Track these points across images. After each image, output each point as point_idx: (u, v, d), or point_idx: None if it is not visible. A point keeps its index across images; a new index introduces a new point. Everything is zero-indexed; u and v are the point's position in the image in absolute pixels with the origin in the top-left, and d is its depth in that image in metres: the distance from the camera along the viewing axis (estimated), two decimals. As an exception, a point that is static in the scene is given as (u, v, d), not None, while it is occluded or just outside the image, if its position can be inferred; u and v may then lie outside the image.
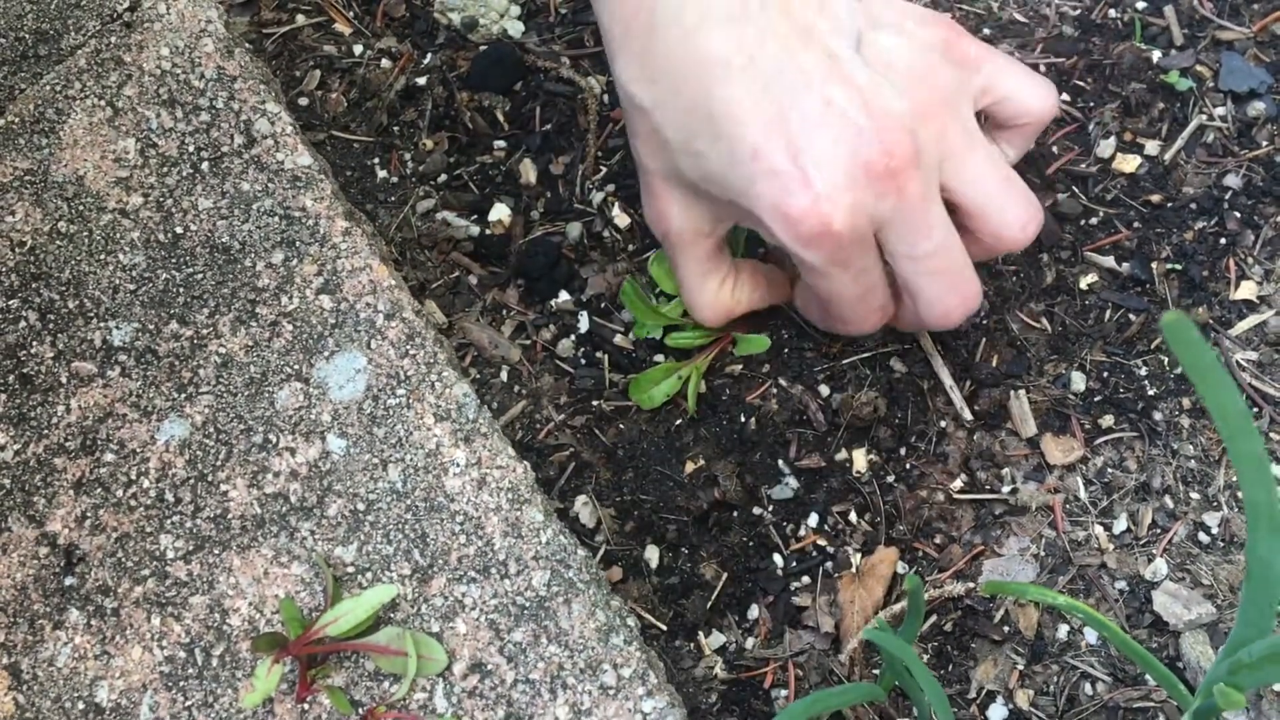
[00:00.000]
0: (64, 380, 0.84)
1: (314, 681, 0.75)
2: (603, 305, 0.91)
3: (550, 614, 0.75)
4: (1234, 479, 0.81)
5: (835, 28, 0.71)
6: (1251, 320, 0.84)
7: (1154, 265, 0.87)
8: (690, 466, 0.85)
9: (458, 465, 0.79)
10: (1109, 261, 0.87)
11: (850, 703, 0.75)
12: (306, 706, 0.75)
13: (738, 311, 0.84)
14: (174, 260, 0.86)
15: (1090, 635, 0.78)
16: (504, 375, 0.89)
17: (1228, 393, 0.45)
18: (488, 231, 0.94)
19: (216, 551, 0.79)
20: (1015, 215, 0.75)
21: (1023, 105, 0.77)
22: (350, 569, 0.77)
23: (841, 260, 0.72)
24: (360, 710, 0.74)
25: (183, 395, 0.82)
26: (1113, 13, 0.95)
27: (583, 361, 0.89)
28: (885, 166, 0.69)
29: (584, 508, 0.84)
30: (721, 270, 0.82)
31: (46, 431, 0.82)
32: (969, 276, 0.76)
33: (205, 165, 0.88)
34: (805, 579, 0.82)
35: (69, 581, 0.79)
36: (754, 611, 0.81)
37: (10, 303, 0.86)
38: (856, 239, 0.71)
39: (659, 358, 0.88)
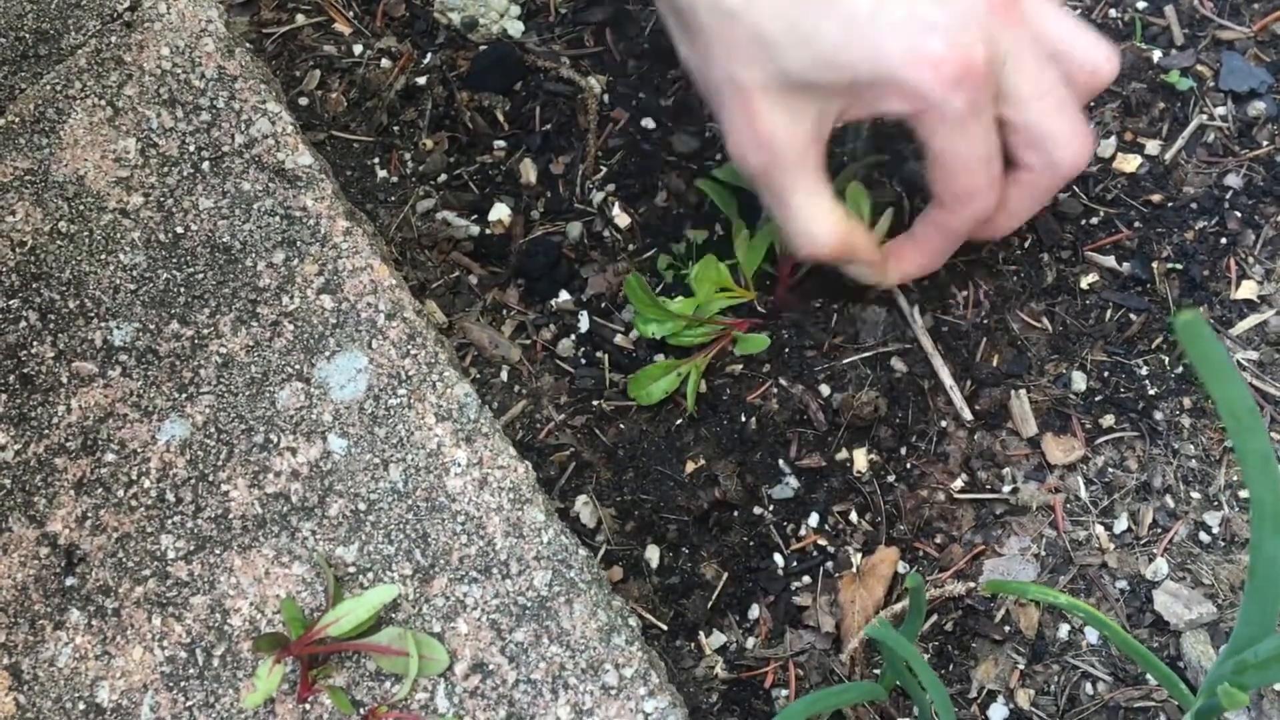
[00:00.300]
0: (64, 380, 0.83)
1: (315, 682, 0.75)
2: (603, 305, 0.91)
3: (552, 614, 0.75)
4: (1235, 478, 0.81)
5: None
6: (1252, 320, 0.84)
7: (1155, 265, 0.87)
8: (691, 466, 0.85)
9: (459, 465, 0.79)
10: (1110, 261, 0.87)
11: (851, 702, 0.75)
12: (308, 707, 0.74)
13: (856, 238, 0.78)
14: (175, 260, 0.86)
15: (1091, 635, 0.78)
16: (504, 375, 0.89)
17: (1237, 390, 0.45)
18: (488, 231, 0.94)
19: (217, 551, 0.78)
20: (1100, 46, 0.75)
21: (1083, 53, 0.76)
22: (351, 569, 0.77)
23: (979, 103, 0.69)
24: (362, 710, 0.74)
25: (184, 395, 0.82)
26: (1113, 12, 0.95)
27: (583, 361, 0.89)
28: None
29: (584, 507, 0.84)
30: (829, 188, 0.77)
31: (47, 431, 0.82)
32: (1081, 116, 0.75)
33: (206, 165, 0.88)
34: (806, 579, 0.82)
35: (70, 582, 0.79)
36: (754, 611, 0.81)
37: (11, 303, 0.86)
38: (992, 76, 0.69)
39: (659, 357, 0.88)
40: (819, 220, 0.76)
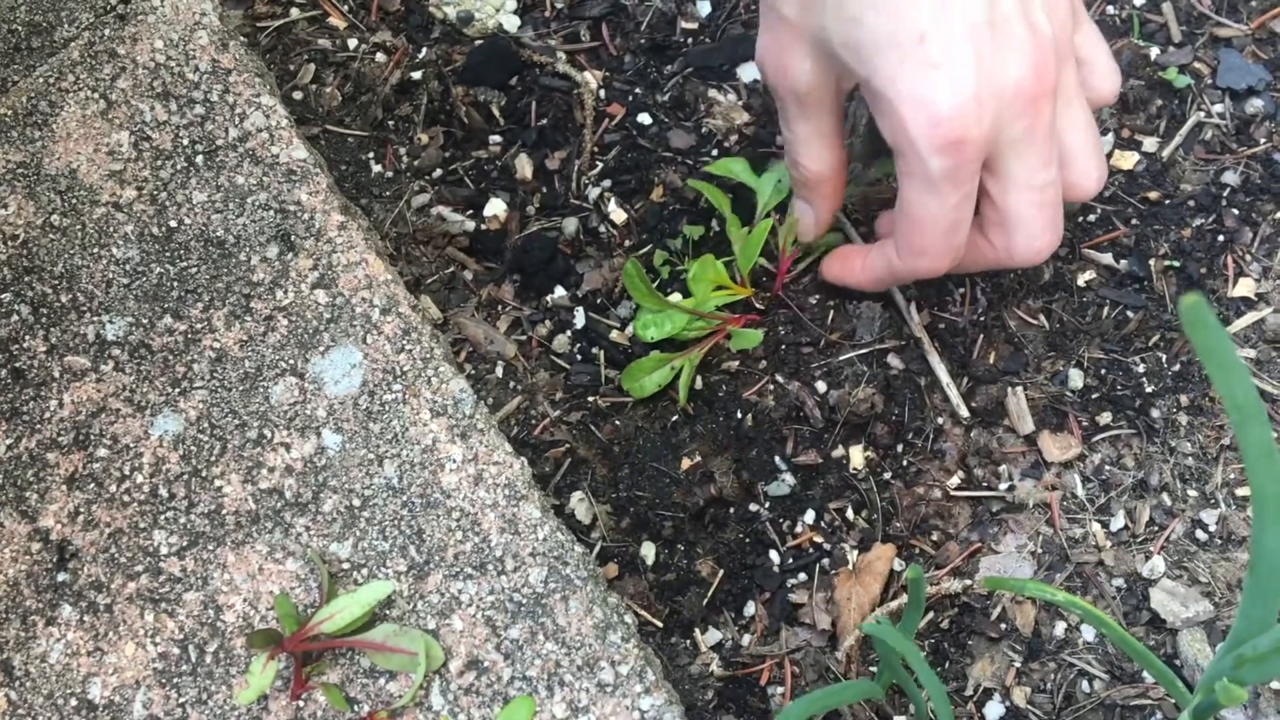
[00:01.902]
0: (56, 375, 0.83)
1: (309, 678, 0.74)
2: (599, 301, 0.90)
3: (547, 611, 0.75)
4: (1232, 476, 0.81)
5: None
6: (1249, 317, 0.84)
7: (1152, 262, 0.87)
8: (686, 463, 0.84)
9: (454, 461, 0.79)
10: (1107, 258, 0.87)
11: (849, 701, 0.75)
12: (301, 704, 0.74)
13: (831, 186, 0.82)
14: (168, 254, 0.85)
15: (1087, 633, 0.78)
16: (499, 371, 0.89)
17: (1240, 380, 0.44)
18: (483, 227, 0.93)
19: (210, 547, 0.78)
20: (1097, 166, 0.75)
21: (1101, 76, 0.76)
22: (345, 565, 0.77)
23: (959, 176, 0.69)
24: (355, 708, 0.74)
25: (176, 390, 0.82)
26: (1111, 9, 0.95)
27: (578, 357, 0.89)
28: (1033, 89, 0.67)
29: (580, 504, 0.84)
30: (834, 127, 0.80)
31: (39, 426, 0.82)
32: (1061, 216, 0.74)
33: (200, 158, 0.88)
34: (802, 576, 0.82)
35: (61, 578, 0.78)
36: (750, 608, 0.81)
37: (2, 296, 0.85)
38: (979, 156, 0.69)
39: (654, 352, 0.87)
40: (812, 150, 0.80)
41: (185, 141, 0.88)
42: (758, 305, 0.88)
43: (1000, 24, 0.67)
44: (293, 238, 0.85)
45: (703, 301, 0.86)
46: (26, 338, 0.84)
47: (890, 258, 0.78)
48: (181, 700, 0.75)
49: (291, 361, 0.82)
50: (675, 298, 0.88)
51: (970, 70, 0.66)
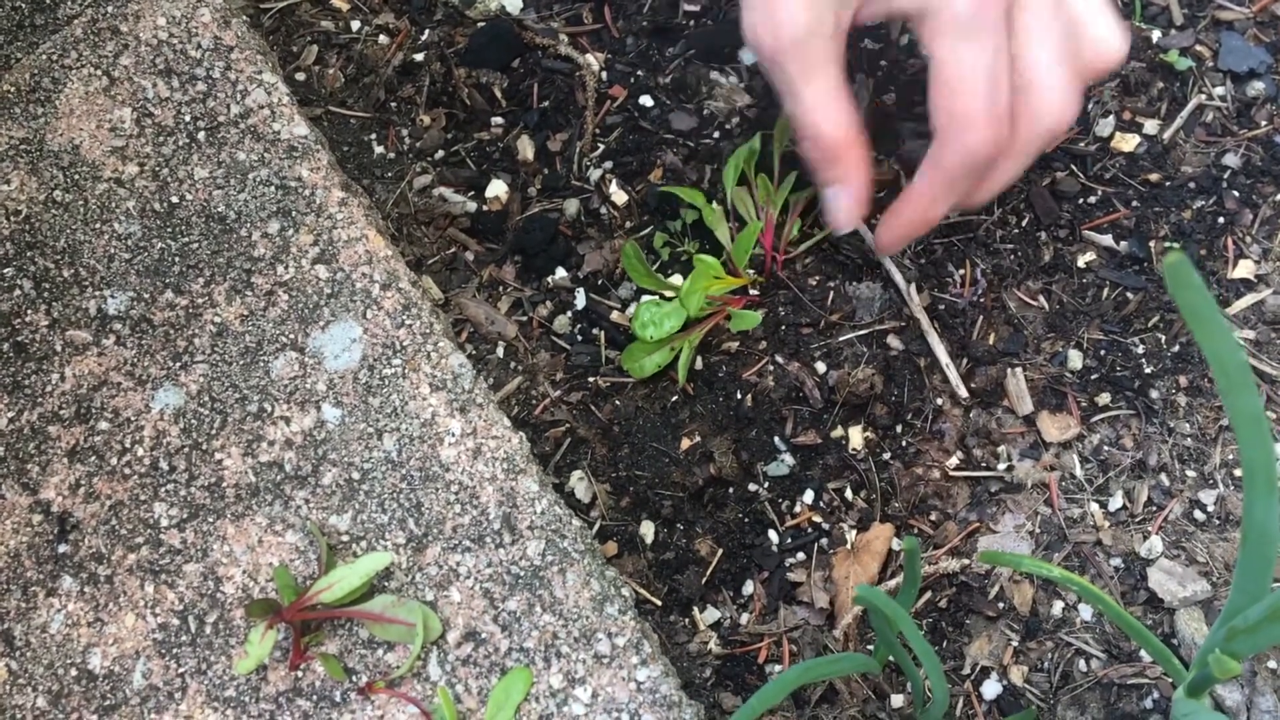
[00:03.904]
0: (58, 348, 0.83)
1: (307, 649, 0.74)
2: (599, 282, 0.90)
3: (545, 583, 0.75)
4: (1230, 457, 0.81)
5: None
6: (1249, 299, 0.84)
7: (1152, 244, 0.87)
8: (686, 443, 0.85)
9: (453, 435, 0.79)
10: (1107, 240, 0.87)
11: (844, 672, 0.75)
12: (300, 674, 0.74)
13: (855, 143, 0.77)
14: (169, 229, 0.86)
15: (1085, 612, 0.78)
16: (500, 351, 0.89)
17: (1226, 342, 0.44)
18: (485, 208, 0.94)
19: (210, 520, 0.78)
20: (1108, 25, 0.74)
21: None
22: (345, 538, 0.77)
23: (988, 15, 0.68)
24: (353, 679, 0.74)
25: (178, 364, 0.82)
26: (1112, -7, 0.95)
27: (579, 338, 0.89)
28: None
29: (579, 483, 0.84)
30: (843, 82, 0.75)
31: (40, 399, 0.82)
32: (1076, 79, 0.73)
33: (201, 135, 0.88)
34: (800, 555, 0.82)
35: (62, 549, 0.79)
36: (749, 587, 0.81)
37: (5, 271, 0.85)
38: None
39: (655, 332, 0.88)
40: (827, 112, 0.75)
41: (187, 118, 0.89)
42: (754, 290, 0.88)
43: None
44: (293, 213, 0.85)
45: (697, 311, 0.86)
46: (29, 312, 0.84)
47: (936, 159, 0.74)
48: (181, 670, 0.75)
49: (292, 336, 0.82)
50: (675, 279, 0.88)
51: None
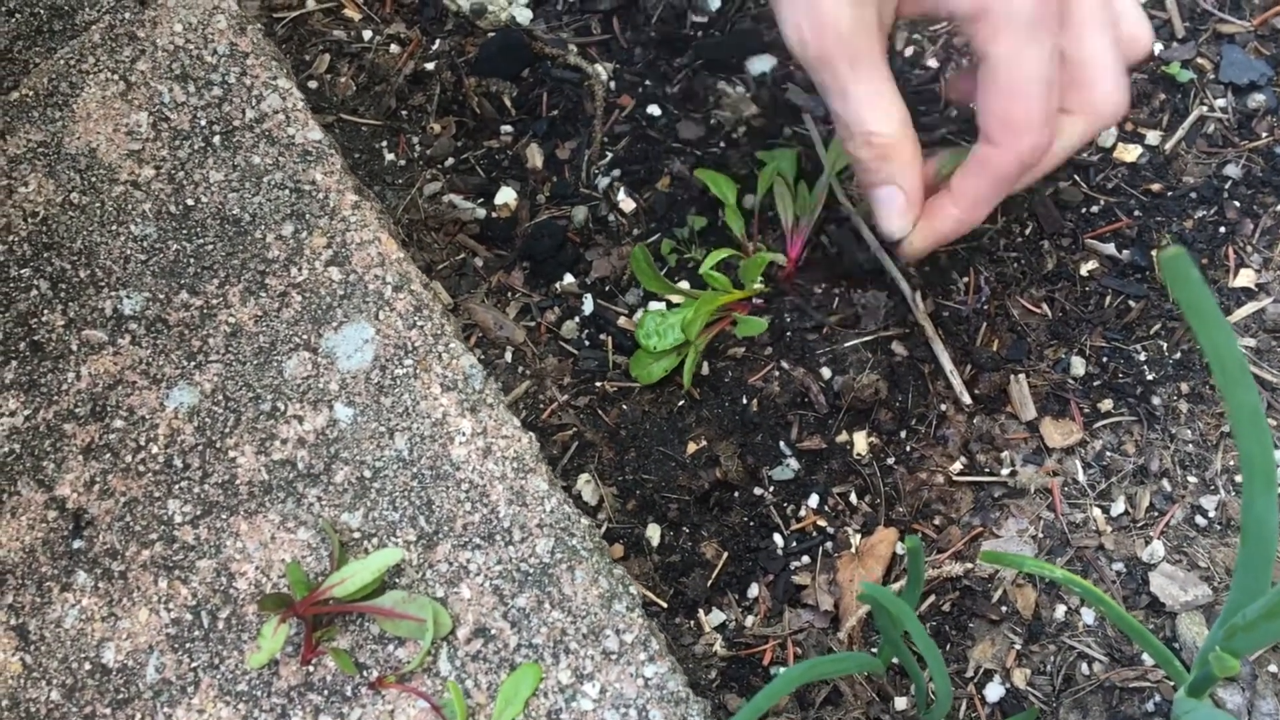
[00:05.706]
0: (74, 348, 0.84)
1: (319, 644, 0.75)
2: (607, 288, 0.91)
3: (554, 580, 0.76)
4: (1231, 463, 0.81)
5: None
6: (1250, 307, 0.85)
7: (1154, 252, 0.88)
8: (692, 447, 0.85)
9: (463, 434, 0.80)
10: (1109, 248, 0.88)
11: (847, 671, 0.76)
12: (311, 668, 0.75)
13: (908, 143, 0.74)
14: (185, 231, 0.87)
15: (1087, 615, 0.79)
16: (508, 356, 0.90)
17: (1224, 336, 0.44)
18: (494, 214, 0.95)
19: (224, 516, 0.79)
20: (1142, 19, 0.75)
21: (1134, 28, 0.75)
22: (356, 535, 0.78)
23: (1048, 13, 0.67)
24: (364, 673, 0.75)
25: (192, 363, 0.83)
26: (1115, 7, 0.96)
27: (586, 343, 0.90)
28: None
29: (586, 486, 0.85)
30: (891, 80, 0.72)
31: (56, 398, 0.83)
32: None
33: (217, 139, 0.89)
34: (805, 559, 0.82)
35: (77, 545, 0.79)
36: (754, 590, 0.82)
37: (22, 271, 0.86)
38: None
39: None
40: (879, 109, 0.72)
41: (203, 122, 0.90)
42: (755, 301, 0.89)
43: None
44: (307, 216, 0.86)
45: (696, 336, 0.86)
46: (45, 312, 0.85)
47: (987, 161, 0.73)
48: (194, 664, 0.76)
49: (305, 336, 0.83)
50: (684, 285, 0.89)
51: None
